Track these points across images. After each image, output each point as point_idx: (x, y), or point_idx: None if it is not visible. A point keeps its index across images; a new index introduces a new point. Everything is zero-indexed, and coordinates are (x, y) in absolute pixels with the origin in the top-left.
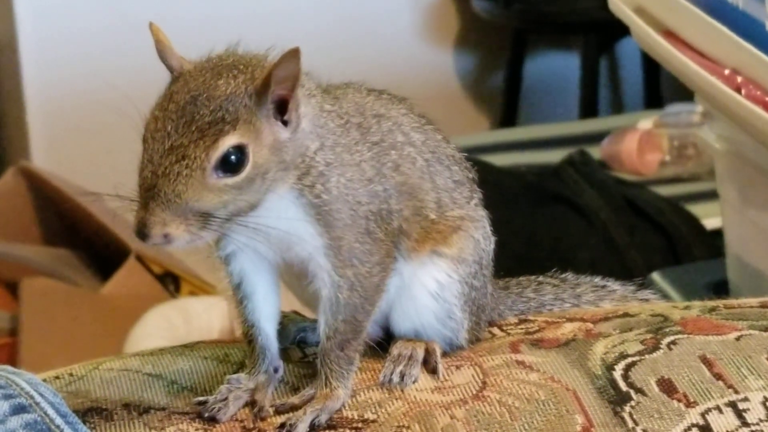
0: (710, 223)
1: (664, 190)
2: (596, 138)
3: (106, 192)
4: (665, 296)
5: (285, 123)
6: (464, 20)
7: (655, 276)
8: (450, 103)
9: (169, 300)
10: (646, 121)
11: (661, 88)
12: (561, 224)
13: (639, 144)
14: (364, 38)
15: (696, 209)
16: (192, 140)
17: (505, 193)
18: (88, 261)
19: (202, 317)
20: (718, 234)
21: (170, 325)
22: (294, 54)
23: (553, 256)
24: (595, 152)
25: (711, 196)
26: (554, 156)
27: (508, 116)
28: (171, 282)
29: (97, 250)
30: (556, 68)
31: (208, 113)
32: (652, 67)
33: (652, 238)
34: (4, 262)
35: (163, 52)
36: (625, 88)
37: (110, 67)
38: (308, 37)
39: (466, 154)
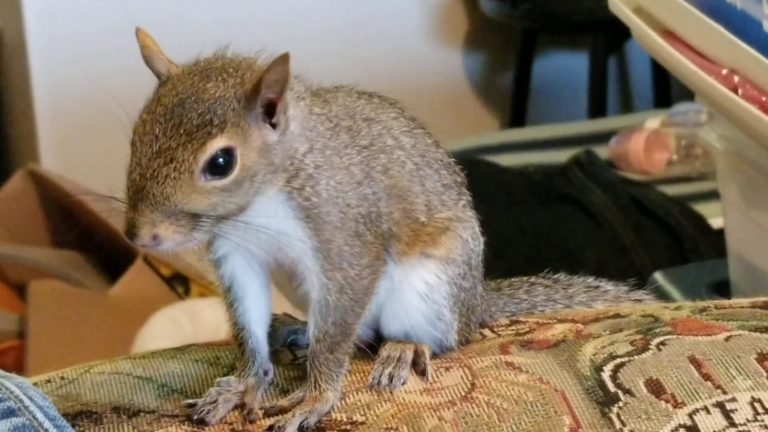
0: (717, 222)
1: (671, 190)
2: (605, 138)
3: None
4: (667, 296)
5: (273, 126)
6: (473, 21)
7: (658, 276)
8: (459, 103)
9: (177, 302)
10: (653, 121)
11: (670, 87)
12: (568, 224)
13: (646, 143)
14: (374, 39)
15: (703, 209)
16: (180, 143)
17: (512, 193)
18: (96, 263)
19: (209, 318)
20: (724, 233)
21: (177, 326)
22: (284, 59)
23: (560, 255)
24: (603, 152)
25: (718, 195)
26: (563, 156)
27: (516, 116)
28: (180, 284)
29: (105, 253)
30: (564, 68)
31: (196, 116)
32: (660, 66)
33: (659, 237)
34: (13, 265)
35: (149, 57)
36: (634, 87)
37: (119, 69)
38: (318, 39)
39: (475, 155)
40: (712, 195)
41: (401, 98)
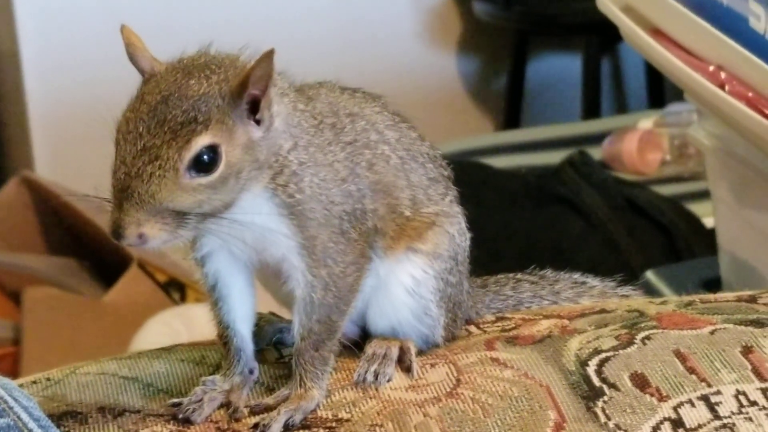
0: (711, 222)
1: (665, 190)
2: (599, 138)
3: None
4: (659, 294)
5: (258, 122)
6: (466, 23)
7: (650, 274)
8: (453, 106)
9: (172, 307)
10: (646, 121)
11: (664, 87)
12: (561, 225)
13: (639, 144)
14: (367, 43)
15: (697, 208)
16: (164, 141)
17: (505, 195)
18: (91, 269)
19: (204, 323)
20: (715, 230)
21: (172, 331)
22: (269, 55)
23: (553, 256)
24: (597, 153)
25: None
26: (557, 157)
27: (511, 118)
28: (177, 290)
29: (100, 259)
30: (558, 70)
31: (180, 113)
32: (654, 66)
33: (652, 237)
34: (7, 272)
35: (133, 54)
36: (628, 88)
37: (113, 75)
38: (311, 42)
39: (469, 157)
40: (706, 194)
41: (395, 101)
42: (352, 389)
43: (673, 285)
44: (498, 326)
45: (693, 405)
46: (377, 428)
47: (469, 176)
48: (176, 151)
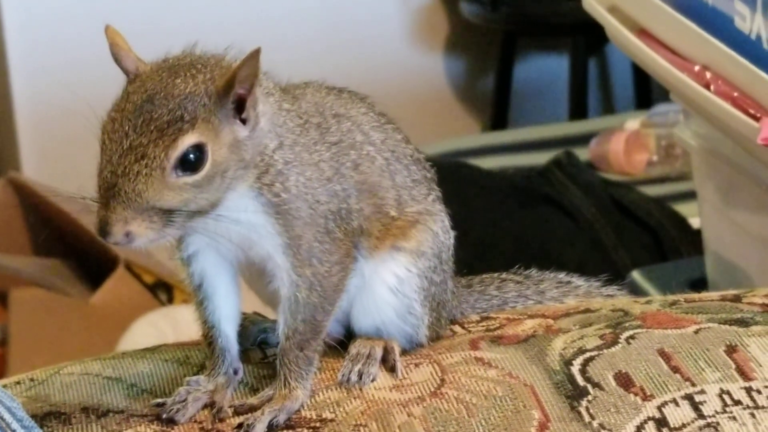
0: (697, 222)
1: (652, 190)
2: (586, 139)
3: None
4: (645, 295)
5: (243, 122)
6: (453, 24)
7: (636, 274)
8: (440, 106)
9: (159, 308)
10: (633, 122)
11: (651, 88)
12: (548, 225)
13: (626, 144)
14: (354, 43)
15: (683, 208)
16: (151, 139)
17: (492, 196)
18: (77, 271)
19: (191, 325)
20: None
21: (159, 333)
22: (255, 55)
23: (540, 257)
24: (584, 153)
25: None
26: (544, 158)
27: (498, 119)
28: (164, 291)
29: (87, 260)
30: (545, 70)
31: (166, 112)
32: (640, 67)
33: (639, 237)
34: None
35: (117, 54)
36: (615, 89)
37: (100, 76)
38: (298, 43)
39: (456, 158)
40: (692, 195)
41: (383, 102)
42: (336, 389)
43: (659, 285)
44: (483, 326)
45: (677, 404)
46: (361, 428)
47: (455, 177)
48: (163, 150)
